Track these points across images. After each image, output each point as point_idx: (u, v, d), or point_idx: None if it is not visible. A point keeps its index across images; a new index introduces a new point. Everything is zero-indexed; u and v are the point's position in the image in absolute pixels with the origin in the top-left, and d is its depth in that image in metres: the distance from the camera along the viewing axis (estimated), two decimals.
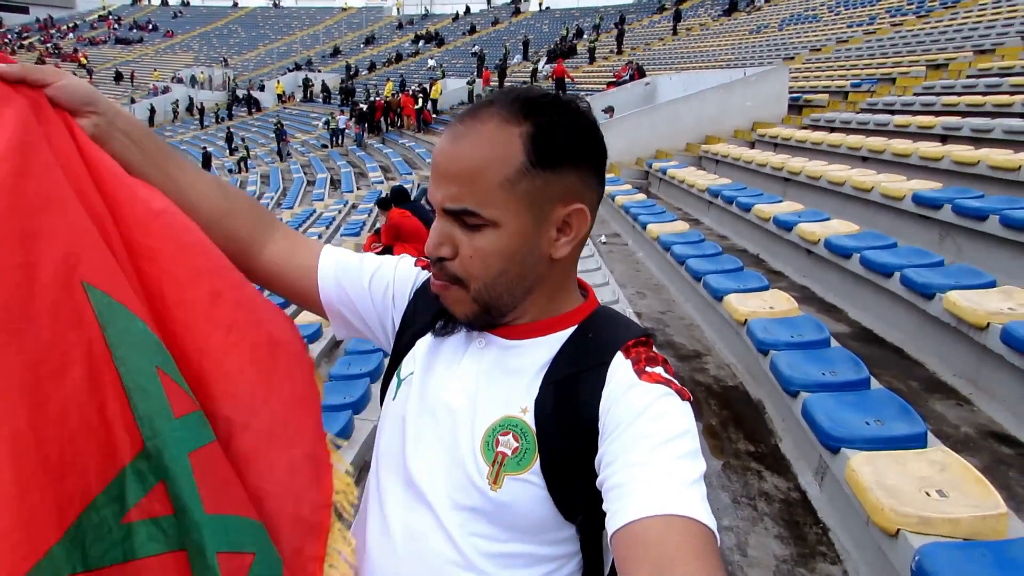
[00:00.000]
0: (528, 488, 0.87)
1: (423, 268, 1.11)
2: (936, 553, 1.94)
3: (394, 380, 1.05)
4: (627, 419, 0.83)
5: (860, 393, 3.05)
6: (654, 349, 0.94)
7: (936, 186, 5.67)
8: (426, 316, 1.05)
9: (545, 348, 0.93)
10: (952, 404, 3.49)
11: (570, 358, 0.91)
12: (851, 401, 2.95)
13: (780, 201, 6.86)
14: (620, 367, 0.88)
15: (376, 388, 4.76)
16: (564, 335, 0.94)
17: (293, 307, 8.21)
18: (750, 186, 8.19)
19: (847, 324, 4.77)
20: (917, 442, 2.58)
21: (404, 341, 1.07)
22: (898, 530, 2.12)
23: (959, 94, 9.24)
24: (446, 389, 0.96)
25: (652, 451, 0.79)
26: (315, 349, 6.00)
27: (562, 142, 0.87)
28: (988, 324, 3.33)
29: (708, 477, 3.07)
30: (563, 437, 0.87)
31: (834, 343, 3.67)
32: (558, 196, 0.88)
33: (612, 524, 0.76)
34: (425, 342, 1.03)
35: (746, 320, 4.07)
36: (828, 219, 5.78)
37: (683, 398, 0.85)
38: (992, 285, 3.80)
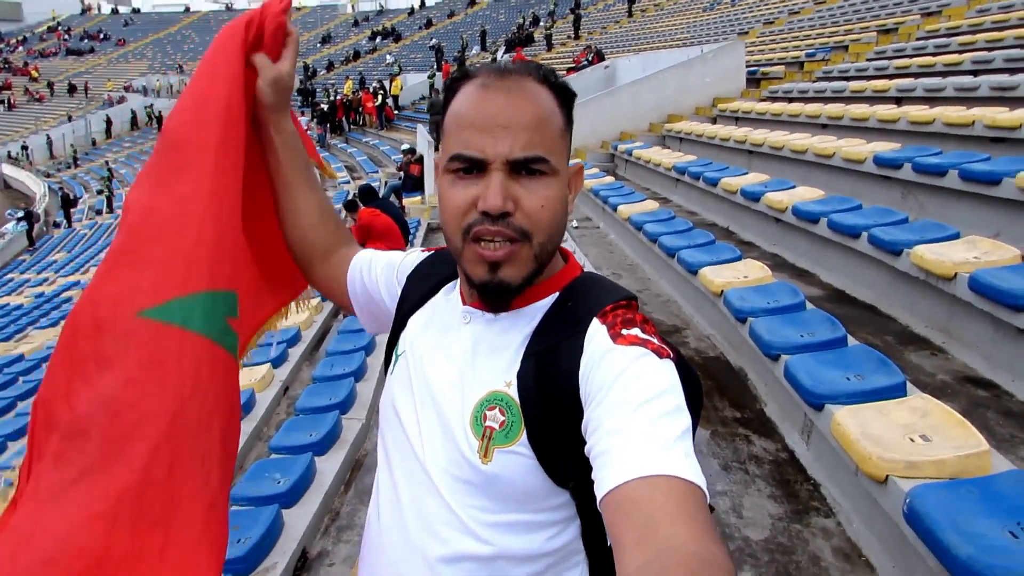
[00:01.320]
0: (517, 460, 0.89)
1: (430, 251, 1.19)
2: (925, 494, 2.01)
3: (393, 357, 1.10)
4: (605, 385, 0.83)
5: (838, 351, 3.12)
6: (636, 310, 0.95)
7: (895, 147, 5.80)
8: (418, 294, 1.11)
9: (527, 319, 0.95)
10: (927, 354, 3.59)
11: (550, 329, 0.93)
12: (830, 359, 3.03)
13: (746, 173, 6.95)
14: (596, 333, 0.89)
15: (360, 387, 4.75)
16: (545, 304, 0.96)
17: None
18: (715, 161, 8.28)
19: (819, 287, 4.87)
20: (897, 392, 2.66)
21: (398, 320, 1.12)
22: (887, 476, 2.20)
23: (910, 56, 9.42)
24: (434, 366, 0.99)
25: (631, 415, 0.79)
26: (295, 352, 5.97)
27: (571, 105, 0.97)
28: (955, 274, 3.43)
29: (698, 445, 3.14)
30: (547, 408, 0.89)
31: (809, 306, 3.75)
32: (569, 154, 0.95)
33: (598, 492, 0.77)
34: (417, 320, 1.08)
35: (722, 291, 4.14)
36: (794, 187, 5.88)
37: (661, 356, 0.85)
38: (956, 237, 3.91)
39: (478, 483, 0.91)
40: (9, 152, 37.31)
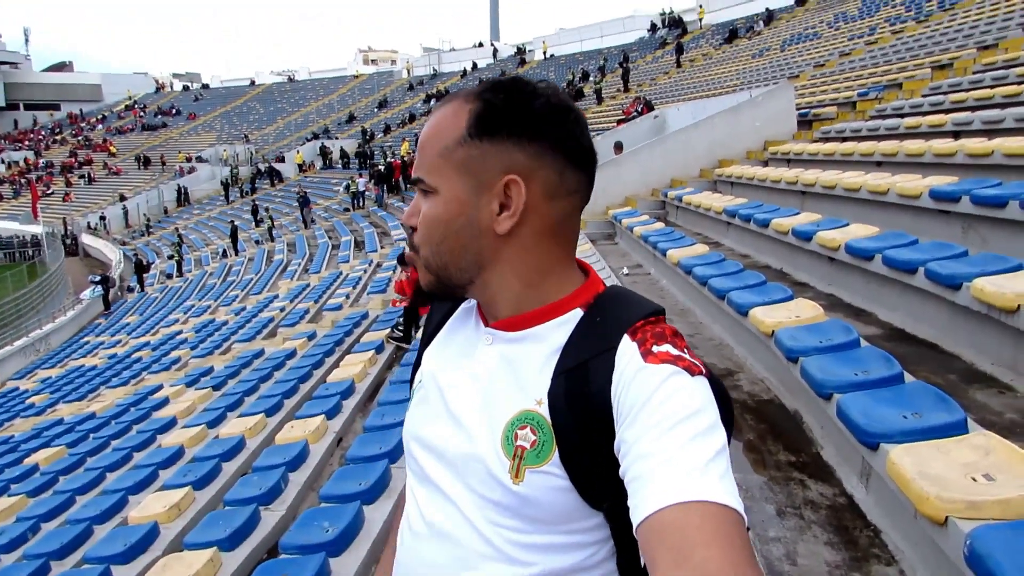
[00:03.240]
0: (549, 480, 0.87)
1: None
2: (987, 535, 1.87)
3: (411, 393, 1.10)
4: (636, 406, 0.82)
5: (894, 388, 2.99)
6: (664, 323, 0.93)
7: (952, 180, 5.61)
8: (432, 324, 1.12)
9: (552, 336, 0.93)
10: (993, 392, 3.40)
11: (579, 345, 0.91)
12: (886, 397, 2.89)
13: (798, 213, 6.82)
14: (627, 351, 0.87)
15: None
16: (570, 320, 0.94)
17: (327, 364, 8.27)
18: (767, 203, 8.16)
19: (877, 326, 4.69)
20: (957, 429, 2.52)
21: (417, 359, 1.13)
22: (947, 517, 2.06)
23: (966, 90, 9.19)
24: (458, 389, 0.98)
25: (661, 438, 0.77)
26: (348, 404, 6.05)
27: (502, 115, 0.90)
28: (1019, 307, 3.26)
29: (750, 490, 3.03)
30: (579, 427, 0.87)
31: (864, 343, 3.61)
32: (498, 169, 0.90)
33: (634, 519, 0.76)
34: (434, 352, 1.08)
35: (773, 331, 4.03)
36: (847, 224, 5.74)
37: (693, 373, 0.83)
38: (1018, 269, 3.72)
39: (509, 504, 0.89)
40: (88, 223, 39.53)
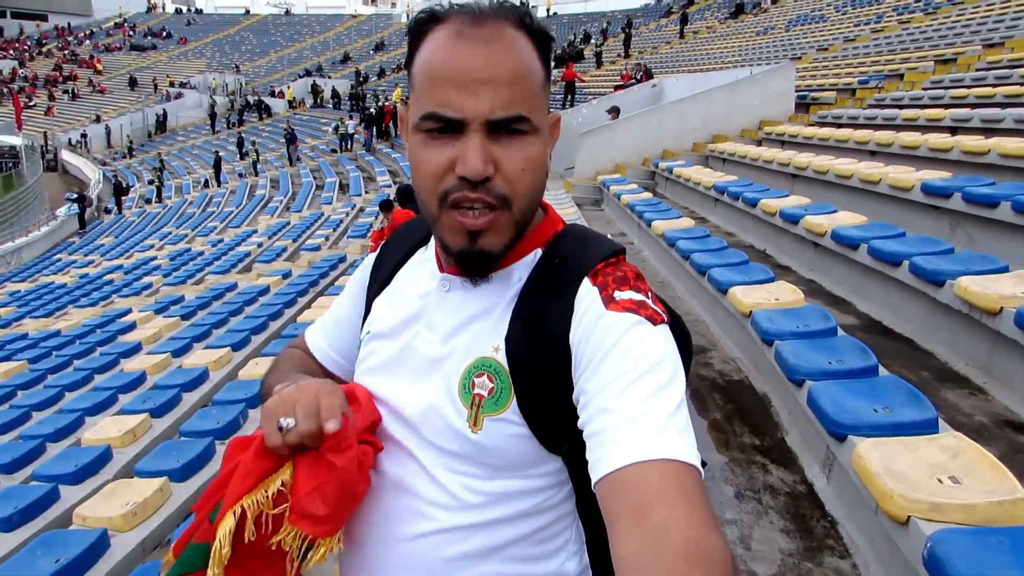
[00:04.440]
0: (508, 427, 0.86)
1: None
2: (949, 539, 1.82)
3: (359, 344, 1.05)
4: (597, 356, 0.80)
5: (867, 380, 2.93)
6: (626, 264, 0.90)
7: (945, 175, 5.53)
8: (386, 272, 1.06)
9: (510, 280, 0.91)
10: (965, 393, 3.36)
11: (537, 289, 0.88)
12: (858, 388, 2.83)
13: (787, 195, 6.73)
14: (587, 295, 0.85)
15: None
16: (528, 262, 0.91)
17: (299, 304, 8.12)
18: (757, 183, 8.07)
19: (855, 316, 4.64)
20: (928, 428, 2.47)
21: (367, 308, 1.07)
22: (908, 517, 2.01)
23: (968, 87, 9.08)
24: (416, 338, 0.94)
25: (621, 394, 0.76)
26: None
27: (549, 53, 0.88)
28: (1001, 309, 3.20)
29: (711, 471, 2.97)
30: (537, 373, 0.85)
31: (841, 333, 3.55)
32: (548, 106, 0.88)
33: (592, 475, 0.75)
34: (384, 302, 1.03)
35: (751, 311, 3.96)
36: (835, 211, 5.66)
37: (655, 322, 0.81)
38: (1005, 270, 3.66)
39: (467, 453, 0.87)
40: (70, 139, 38.55)
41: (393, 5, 69.81)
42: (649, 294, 0.85)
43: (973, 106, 7.98)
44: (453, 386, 0.88)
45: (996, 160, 5.77)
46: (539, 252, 0.91)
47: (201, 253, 14.62)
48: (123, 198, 26.61)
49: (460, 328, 0.91)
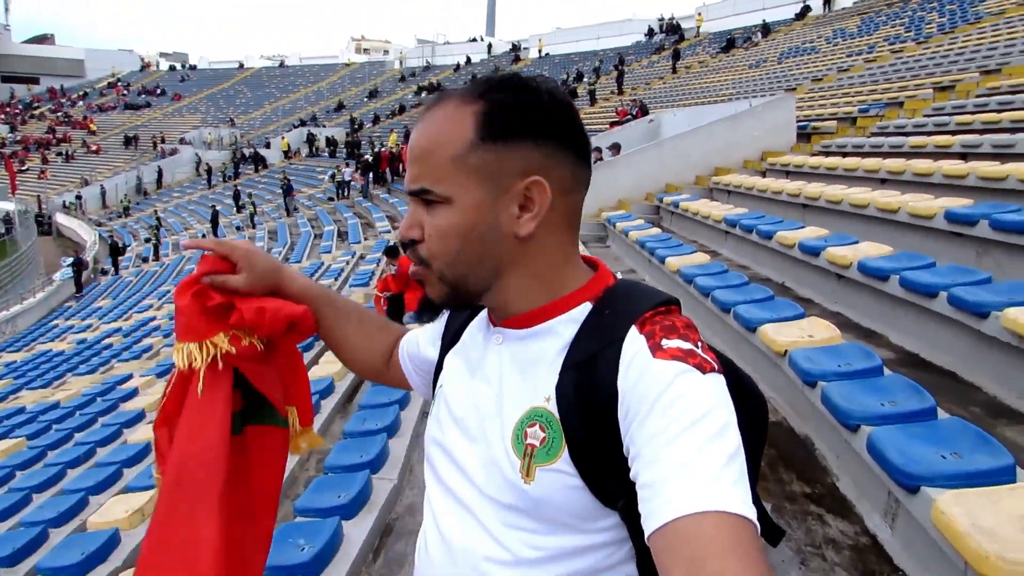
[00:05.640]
0: (560, 478, 0.85)
1: None
2: None
3: (432, 397, 1.10)
4: (645, 406, 0.79)
5: (928, 423, 2.77)
6: (678, 315, 0.90)
7: (967, 202, 5.43)
8: (454, 328, 1.11)
9: (561, 331, 0.91)
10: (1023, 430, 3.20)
11: (587, 338, 0.89)
12: (919, 433, 2.67)
13: (802, 227, 6.62)
14: (634, 343, 0.84)
15: (393, 444, 4.50)
16: (579, 314, 0.91)
17: (305, 360, 7.99)
18: (766, 214, 7.97)
19: (890, 349, 4.49)
20: (1005, 476, 2.30)
21: (439, 360, 1.11)
22: None
23: (972, 113, 9.08)
24: (473, 392, 0.97)
25: (671, 444, 0.75)
26: (327, 405, 5.75)
27: (514, 116, 0.88)
28: None
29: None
30: (587, 422, 0.85)
31: (887, 371, 3.40)
32: (516, 171, 0.88)
33: (645, 529, 0.74)
34: (453, 355, 1.07)
35: (786, 351, 3.81)
36: (856, 242, 5.53)
37: (704, 371, 0.80)
38: None
39: (522, 506, 0.87)
40: (64, 202, 38.47)
41: (385, 52, 70.80)
42: (699, 344, 0.84)
43: (981, 132, 7.94)
44: (507, 437, 0.89)
45: (1015, 185, 5.69)
46: (588, 306, 0.92)
47: None
48: (120, 258, 26.50)
49: (512, 379, 0.92)
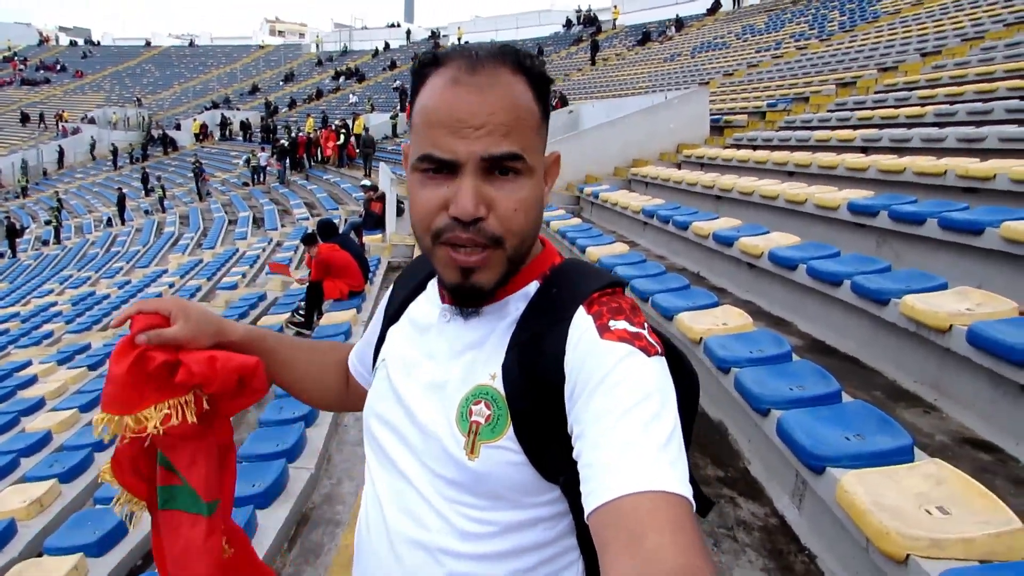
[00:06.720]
0: (504, 454, 0.86)
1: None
2: None
3: (373, 372, 1.09)
4: (590, 386, 0.80)
5: (834, 407, 2.89)
6: (623, 296, 0.91)
7: (868, 194, 5.71)
8: (398, 302, 1.09)
9: (508, 310, 0.92)
10: (920, 412, 3.38)
11: (534, 317, 0.90)
12: (826, 416, 2.79)
13: (716, 218, 6.82)
14: (582, 323, 0.85)
15: (311, 433, 4.40)
16: (526, 293, 0.93)
17: None
18: (683, 205, 8.16)
19: (798, 336, 4.68)
20: (904, 455, 2.43)
21: (381, 335, 1.10)
22: (908, 555, 1.94)
23: (871, 108, 9.55)
24: (418, 368, 0.96)
25: (614, 426, 0.76)
26: None
27: (549, 94, 0.91)
28: (951, 326, 3.25)
29: None
30: (533, 400, 0.85)
31: (795, 357, 3.54)
32: (545, 145, 0.91)
33: (585, 507, 0.75)
34: (396, 330, 1.06)
35: (701, 338, 3.91)
36: (768, 232, 5.74)
37: (649, 354, 0.81)
38: (944, 287, 3.75)
39: (464, 481, 0.88)
40: None
41: (302, 36, 68.83)
42: (645, 326, 0.86)
43: (880, 127, 8.36)
44: (451, 414, 0.89)
45: (912, 178, 6.01)
46: (536, 284, 0.93)
47: (107, 296, 13.73)
48: (17, 240, 24.93)
49: (458, 357, 0.92)
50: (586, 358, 0.82)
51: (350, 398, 1.26)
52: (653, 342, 0.84)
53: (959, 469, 2.28)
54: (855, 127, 8.87)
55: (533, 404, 0.85)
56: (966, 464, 2.84)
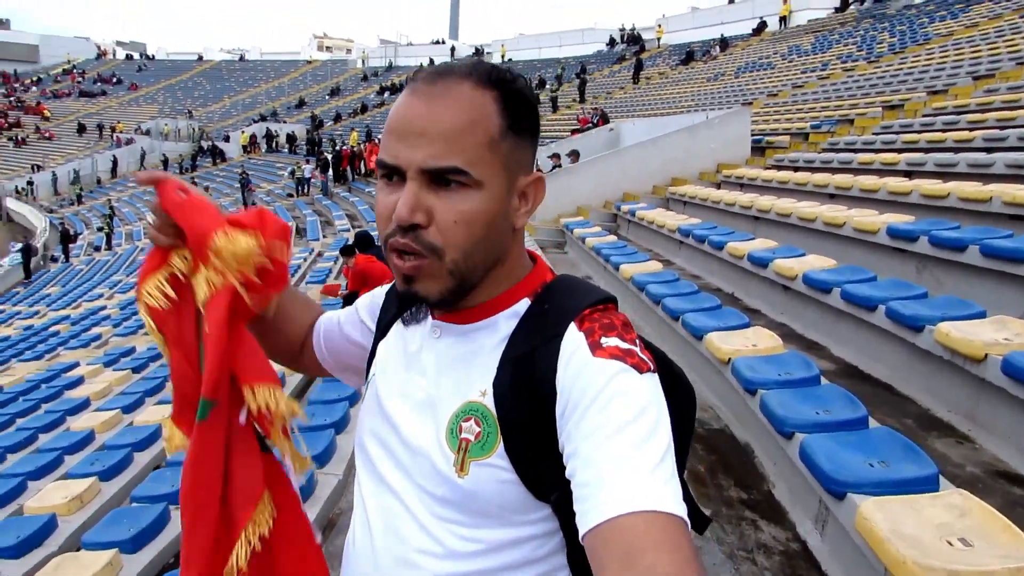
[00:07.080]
0: (494, 472, 0.85)
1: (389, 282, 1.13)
2: None
3: (363, 388, 1.08)
4: (582, 404, 0.80)
5: (859, 432, 2.84)
6: (614, 312, 0.90)
7: (909, 219, 5.61)
8: (387, 317, 1.08)
9: (500, 325, 0.92)
10: (952, 442, 3.30)
11: (525, 334, 0.89)
12: (851, 441, 2.74)
13: (752, 239, 6.76)
14: (573, 341, 0.85)
15: (340, 440, 4.48)
16: (517, 310, 0.92)
17: None
18: (720, 225, 8.11)
19: (830, 360, 4.60)
20: (928, 485, 2.38)
21: (372, 350, 1.09)
22: None
23: (918, 132, 9.37)
24: (408, 384, 0.96)
25: (606, 444, 0.76)
26: None
27: (528, 111, 0.90)
28: (986, 356, 3.17)
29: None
30: (524, 418, 0.85)
31: (824, 381, 3.49)
32: (524, 164, 0.90)
33: (580, 527, 0.75)
34: (387, 345, 1.05)
35: (730, 359, 3.88)
36: (804, 254, 5.67)
37: (641, 371, 0.81)
38: (982, 316, 3.66)
39: (454, 499, 0.87)
40: (16, 187, 37.42)
41: (348, 52, 70.23)
42: (637, 342, 0.85)
43: (926, 151, 8.20)
44: (441, 431, 0.89)
45: (955, 204, 5.88)
46: (527, 301, 0.92)
47: None
48: (71, 246, 25.83)
49: (448, 373, 0.92)
50: (578, 376, 0.82)
51: (302, 359, 1.23)
52: (645, 359, 0.83)
53: (989, 502, 2.23)
54: (900, 150, 8.70)
55: (523, 422, 0.85)
56: (997, 497, 2.77)
